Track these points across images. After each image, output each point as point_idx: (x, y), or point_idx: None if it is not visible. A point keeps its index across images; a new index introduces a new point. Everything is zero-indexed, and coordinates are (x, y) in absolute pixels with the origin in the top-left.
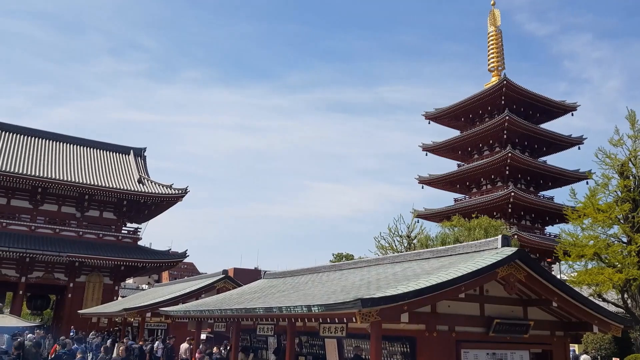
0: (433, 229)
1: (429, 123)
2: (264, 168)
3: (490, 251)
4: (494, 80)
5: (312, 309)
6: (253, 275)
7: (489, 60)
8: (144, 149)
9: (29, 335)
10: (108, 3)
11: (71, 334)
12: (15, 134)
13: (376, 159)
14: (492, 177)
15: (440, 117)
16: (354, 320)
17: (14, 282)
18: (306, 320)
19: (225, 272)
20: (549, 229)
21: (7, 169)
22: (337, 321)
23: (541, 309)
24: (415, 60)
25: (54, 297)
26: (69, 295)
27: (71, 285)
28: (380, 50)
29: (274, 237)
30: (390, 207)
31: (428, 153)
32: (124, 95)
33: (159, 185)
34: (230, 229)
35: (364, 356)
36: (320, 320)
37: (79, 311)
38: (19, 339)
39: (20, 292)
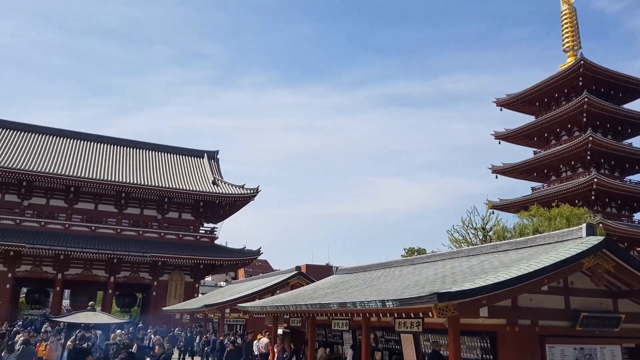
0: (510, 220)
1: (501, 110)
2: (328, 167)
3: (574, 241)
4: (569, 60)
5: (386, 304)
6: (325, 271)
7: (563, 40)
8: (217, 152)
9: (118, 332)
10: (172, 15)
11: (152, 329)
12: (95, 143)
13: (441, 151)
14: (572, 163)
15: (513, 103)
16: (430, 315)
17: (103, 281)
18: (380, 315)
19: (298, 268)
20: (638, 216)
21: (96, 177)
22: (412, 316)
23: (633, 301)
24: (476, 49)
25: (140, 295)
26: (154, 293)
27: (155, 283)
28: (439, 41)
29: (344, 234)
30: (458, 200)
31: (501, 141)
32: (192, 102)
33: (231, 186)
34: (299, 227)
35: (442, 351)
36: (395, 315)
37: (163, 308)
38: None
39: (110, 291)
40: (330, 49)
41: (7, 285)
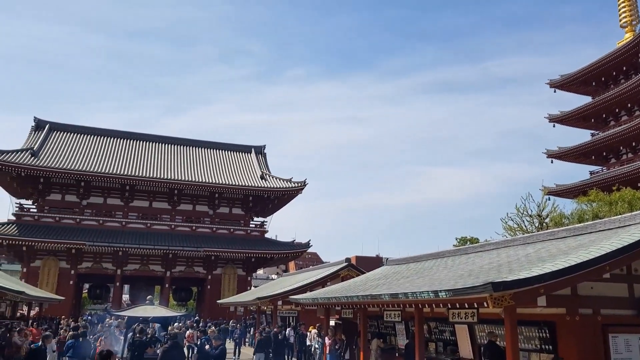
0: (567, 206)
1: (555, 91)
2: (375, 157)
3: (636, 226)
4: (627, 37)
5: (439, 294)
6: (375, 262)
7: (620, 15)
8: (264, 147)
9: (175, 324)
10: (215, 14)
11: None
12: (147, 142)
13: (491, 137)
14: (634, 144)
15: (567, 83)
16: (485, 305)
17: (160, 276)
18: (433, 306)
19: (348, 260)
20: None
21: (150, 175)
22: (466, 306)
23: None
24: (524, 30)
25: (195, 288)
26: (208, 287)
27: (209, 277)
28: (484, 24)
29: (393, 224)
30: (511, 187)
31: (555, 124)
32: (237, 99)
33: (279, 180)
34: (348, 219)
35: (498, 342)
36: (449, 306)
37: (217, 301)
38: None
39: (167, 285)
40: (372, 38)
41: (71, 282)
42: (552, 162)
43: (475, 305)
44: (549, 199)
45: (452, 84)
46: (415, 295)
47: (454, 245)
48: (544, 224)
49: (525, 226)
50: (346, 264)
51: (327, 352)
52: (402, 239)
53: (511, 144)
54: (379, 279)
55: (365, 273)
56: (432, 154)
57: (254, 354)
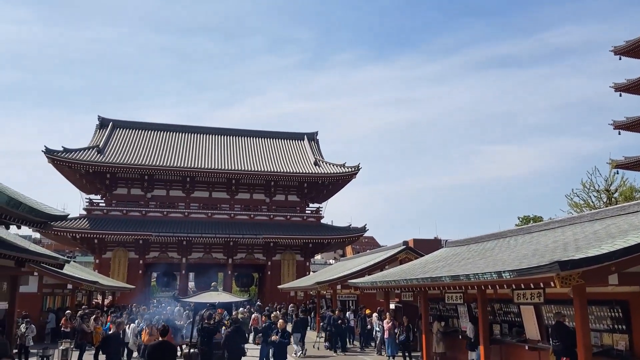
0: (638, 179)
1: (620, 58)
2: (429, 138)
3: None
4: None
5: (503, 275)
6: (433, 245)
7: None
8: (316, 133)
9: (240, 309)
10: (261, 5)
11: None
12: (205, 134)
13: (549, 111)
14: None
15: (634, 49)
16: (552, 285)
17: (222, 263)
18: (497, 287)
19: (405, 243)
20: None
21: (209, 166)
22: (532, 287)
23: None
24: None
25: (256, 274)
26: (268, 273)
27: (269, 263)
28: None
29: (451, 206)
30: (575, 162)
31: (622, 93)
32: (286, 88)
33: (333, 166)
34: (404, 201)
35: (567, 323)
36: (513, 287)
37: (278, 286)
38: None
39: (229, 272)
40: (418, 17)
41: (140, 271)
42: (619, 133)
43: (542, 286)
44: (617, 173)
45: (506, 58)
46: (478, 276)
47: (515, 225)
48: (613, 199)
49: (593, 202)
50: (404, 247)
51: (386, 336)
52: (461, 220)
53: (573, 117)
54: (438, 261)
55: (423, 256)
56: (488, 132)
57: (291, 334)
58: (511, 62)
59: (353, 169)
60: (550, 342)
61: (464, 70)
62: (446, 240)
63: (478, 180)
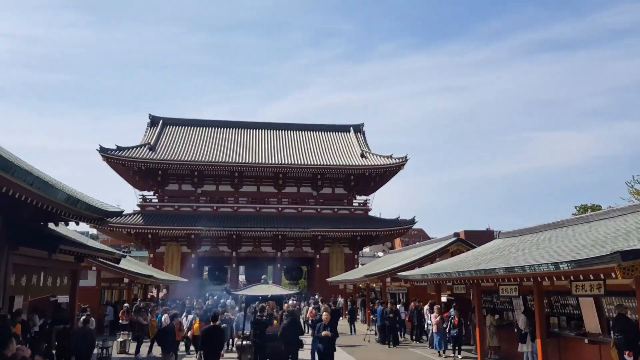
0: None
1: None
2: (478, 126)
3: None
4: None
5: (560, 266)
6: (485, 236)
7: None
8: (362, 125)
9: (290, 302)
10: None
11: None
12: (251, 129)
13: (606, 95)
14: None
15: None
16: (613, 276)
17: (271, 257)
18: (554, 279)
19: (456, 234)
20: None
21: (257, 161)
22: (591, 278)
23: None
24: None
25: (305, 267)
26: (317, 266)
27: (317, 256)
28: None
29: (503, 196)
30: (634, 147)
31: None
32: (330, 81)
33: (379, 157)
34: (454, 192)
35: (630, 315)
36: (572, 278)
37: (327, 279)
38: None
39: (278, 265)
40: (464, 3)
41: (192, 265)
42: None
43: (602, 277)
44: None
45: (557, 41)
46: (534, 268)
47: (572, 214)
48: None
49: None
50: (455, 238)
51: (434, 330)
52: (514, 211)
53: (631, 100)
54: (491, 253)
55: (475, 248)
56: (540, 118)
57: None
58: (563, 45)
59: (400, 160)
60: (612, 335)
61: (514, 55)
62: (499, 232)
63: (531, 168)
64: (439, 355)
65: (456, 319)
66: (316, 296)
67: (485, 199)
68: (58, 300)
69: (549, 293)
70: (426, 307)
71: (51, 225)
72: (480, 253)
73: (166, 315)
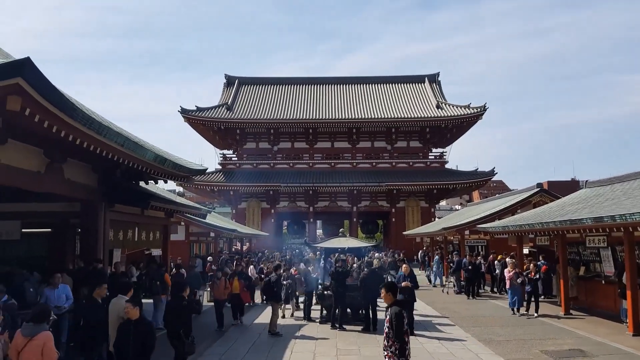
0: None
1: None
2: (562, 71)
3: None
4: None
5: None
6: (570, 187)
7: None
8: (437, 74)
9: (376, 254)
10: None
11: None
12: (325, 85)
13: None
14: None
15: None
16: None
17: (347, 211)
18: None
19: (539, 185)
20: None
21: (331, 117)
22: None
23: None
24: None
25: (381, 221)
26: (393, 220)
27: (393, 210)
28: None
29: (590, 144)
30: None
31: None
32: (402, 31)
33: (456, 108)
34: (536, 142)
35: None
36: None
37: (403, 232)
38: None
39: (354, 220)
40: None
41: (272, 220)
42: None
43: None
44: None
45: None
46: (625, 217)
47: None
48: None
49: None
50: (538, 189)
51: (507, 286)
52: (602, 159)
53: None
54: (578, 203)
55: (559, 198)
56: (631, 59)
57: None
58: None
59: (479, 110)
60: None
61: None
62: (586, 181)
63: (623, 113)
64: (513, 313)
65: (532, 272)
66: (397, 251)
67: (571, 149)
68: (152, 253)
69: None
70: (508, 259)
71: (142, 184)
72: (566, 203)
73: (252, 267)
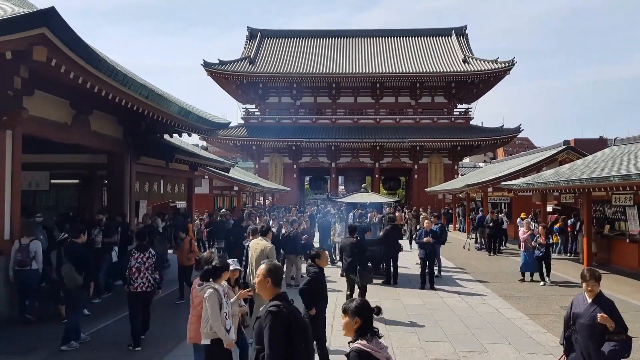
0: None
1: None
2: (594, 25)
3: None
4: None
5: None
6: (597, 145)
7: None
8: (465, 27)
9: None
10: None
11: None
12: (347, 38)
13: None
14: None
15: None
16: None
17: (369, 168)
18: None
19: (566, 142)
20: None
21: (353, 71)
22: None
23: None
24: None
25: (403, 178)
26: (415, 176)
27: (415, 167)
28: None
29: (620, 101)
30: None
31: None
32: None
33: (483, 62)
34: (564, 99)
35: None
36: None
37: (425, 189)
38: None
39: (376, 176)
40: None
41: (294, 175)
42: None
43: None
44: None
45: None
46: None
47: None
48: None
49: None
50: (564, 147)
51: (522, 249)
52: (632, 117)
53: None
54: (605, 161)
55: (586, 156)
56: None
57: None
58: None
59: (507, 65)
60: None
61: None
62: (615, 139)
63: None
64: (522, 278)
65: (542, 237)
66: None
67: (599, 106)
68: (177, 205)
69: None
70: (518, 219)
71: (166, 137)
72: (593, 161)
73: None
